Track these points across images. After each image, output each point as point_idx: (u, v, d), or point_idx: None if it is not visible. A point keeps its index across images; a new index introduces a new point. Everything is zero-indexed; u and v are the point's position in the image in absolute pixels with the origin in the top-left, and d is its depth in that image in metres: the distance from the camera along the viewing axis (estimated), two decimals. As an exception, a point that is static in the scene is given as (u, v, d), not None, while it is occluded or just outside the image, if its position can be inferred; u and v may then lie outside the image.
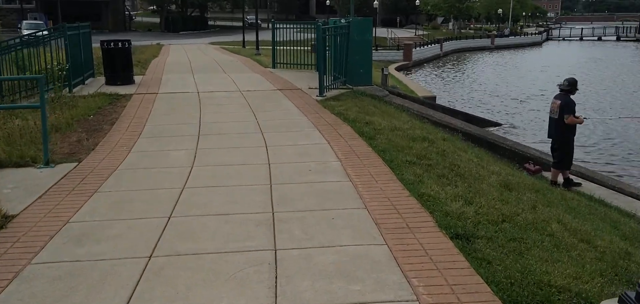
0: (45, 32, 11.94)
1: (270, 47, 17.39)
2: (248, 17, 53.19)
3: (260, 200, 4.97)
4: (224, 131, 8.01)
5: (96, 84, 12.60)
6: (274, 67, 16.46)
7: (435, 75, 36.79)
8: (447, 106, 18.63)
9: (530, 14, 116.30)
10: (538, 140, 16.39)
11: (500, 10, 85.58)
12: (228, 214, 4.63)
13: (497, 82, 32.33)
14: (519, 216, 4.85)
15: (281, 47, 16.36)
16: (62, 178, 5.69)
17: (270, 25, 18.70)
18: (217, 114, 9.24)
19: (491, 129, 17.43)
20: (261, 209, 4.75)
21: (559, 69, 38.61)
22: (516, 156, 10.50)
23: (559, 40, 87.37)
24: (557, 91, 9.16)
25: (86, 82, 12.85)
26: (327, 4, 73.53)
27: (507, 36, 73.76)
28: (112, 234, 4.22)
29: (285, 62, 16.29)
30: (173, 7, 68.02)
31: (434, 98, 19.75)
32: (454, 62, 47.32)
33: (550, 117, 9.21)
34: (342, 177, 5.67)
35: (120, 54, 12.52)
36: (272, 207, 4.78)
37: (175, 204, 4.90)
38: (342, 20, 13.00)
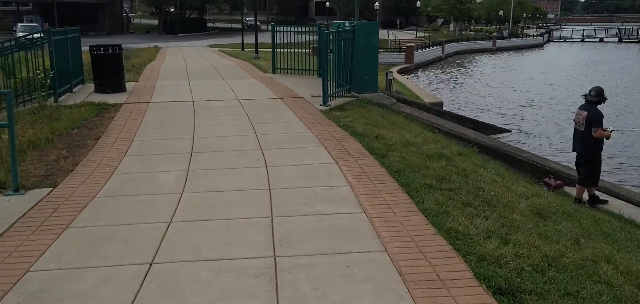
0: (29, 37, 11.12)
1: (270, 49, 16.64)
2: (247, 18, 52.50)
3: (260, 240, 4.20)
4: (219, 147, 7.25)
5: (85, 92, 11.84)
6: (273, 72, 15.70)
7: (439, 78, 36.05)
8: (455, 113, 17.88)
9: (530, 16, 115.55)
10: (552, 146, 15.70)
11: (500, 12, 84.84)
12: (222, 260, 3.87)
13: (502, 86, 31.60)
14: (566, 257, 4.12)
15: (281, 50, 15.61)
16: (31, 209, 4.93)
17: (269, 27, 17.94)
18: (212, 128, 8.48)
19: (500, 135, 16.75)
20: (261, 252, 3.99)
21: (581, 72, 38.03)
22: (535, 169, 9.75)
23: (561, 41, 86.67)
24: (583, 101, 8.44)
25: (74, 90, 12.08)
26: (326, 5, 72.83)
27: (506, 38, 72.77)
28: (78, 291, 3.46)
29: (285, 67, 15.53)
30: (172, 9, 67.34)
31: (441, 104, 19.01)
32: (457, 64, 46.61)
33: (575, 130, 8.46)
34: (355, 207, 4.91)
35: (110, 59, 11.75)
36: (274, 249, 4.02)
37: (160, 245, 4.14)
38: (346, 24, 12.22)
